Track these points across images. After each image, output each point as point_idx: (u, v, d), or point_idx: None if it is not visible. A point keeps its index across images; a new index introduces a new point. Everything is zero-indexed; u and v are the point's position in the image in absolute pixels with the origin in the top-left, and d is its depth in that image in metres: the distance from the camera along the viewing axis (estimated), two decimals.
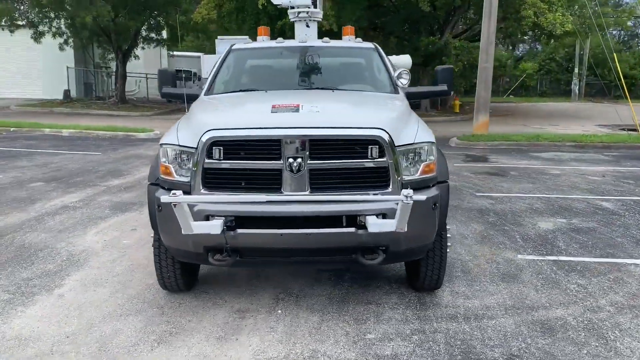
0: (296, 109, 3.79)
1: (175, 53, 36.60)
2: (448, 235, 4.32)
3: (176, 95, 5.31)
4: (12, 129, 16.91)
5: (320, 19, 7.05)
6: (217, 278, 4.85)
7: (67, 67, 30.16)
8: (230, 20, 23.74)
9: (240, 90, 5.01)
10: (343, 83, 5.22)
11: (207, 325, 3.95)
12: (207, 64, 35.93)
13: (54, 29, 26.18)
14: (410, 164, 3.81)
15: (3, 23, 24.83)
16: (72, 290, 4.55)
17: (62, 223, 6.55)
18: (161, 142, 3.93)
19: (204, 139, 3.63)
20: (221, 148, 3.63)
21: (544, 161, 12.08)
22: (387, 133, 3.65)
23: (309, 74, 5.43)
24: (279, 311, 4.18)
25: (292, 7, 6.92)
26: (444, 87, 5.30)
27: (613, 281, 4.85)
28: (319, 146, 3.61)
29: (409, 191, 3.33)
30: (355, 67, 5.59)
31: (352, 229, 3.57)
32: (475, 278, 4.89)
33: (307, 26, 6.80)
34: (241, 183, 3.68)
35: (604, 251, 5.68)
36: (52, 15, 25.59)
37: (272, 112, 3.79)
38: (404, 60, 6.76)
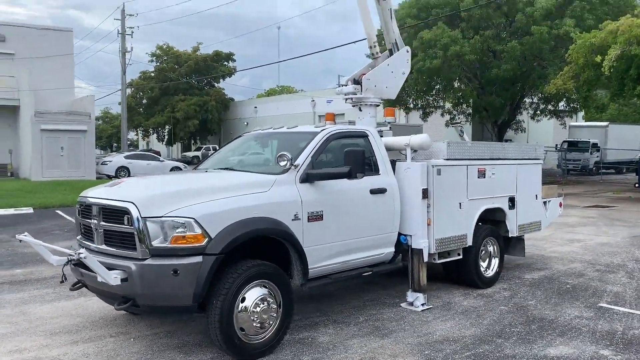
0: (116, 184, 5.15)
1: (575, 124, 35.13)
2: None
3: None
4: None
5: (376, 103, 7.07)
6: None
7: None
8: (589, 89, 21.95)
9: (198, 169, 6.41)
10: (263, 164, 6.01)
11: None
12: (612, 134, 32.96)
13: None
14: (163, 233, 4.54)
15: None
16: None
17: None
18: None
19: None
20: (79, 208, 5.37)
21: None
22: (135, 206, 4.57)
23: (247, 157, 6.32)
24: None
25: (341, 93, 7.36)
26: (345, 170, 5.30)
27: None
28: (104, 212, 4.89)
29: (82, 251, 4.27)
30: (281, 150, 5.91)
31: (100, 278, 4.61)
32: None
33: (360, 110, 7.10)
34: (88, 235, 5.27)
35: None
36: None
37: (105, 185, 5.27)
38: (415, 140, 6.13)
